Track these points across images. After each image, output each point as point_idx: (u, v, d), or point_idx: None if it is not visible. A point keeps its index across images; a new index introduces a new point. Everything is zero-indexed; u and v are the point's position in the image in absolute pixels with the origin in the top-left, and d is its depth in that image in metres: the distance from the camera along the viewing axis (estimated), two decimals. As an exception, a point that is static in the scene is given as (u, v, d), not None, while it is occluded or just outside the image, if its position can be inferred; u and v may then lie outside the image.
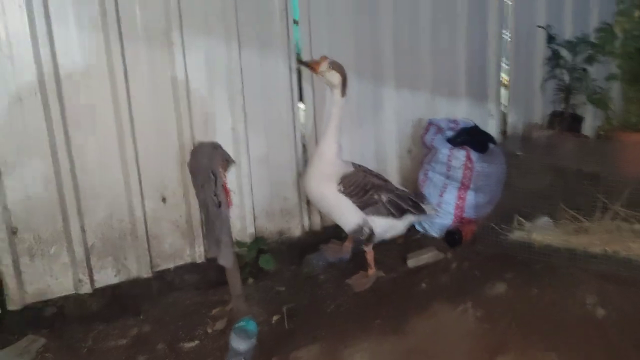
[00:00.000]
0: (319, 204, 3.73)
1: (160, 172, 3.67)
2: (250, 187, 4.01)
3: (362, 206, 3.63)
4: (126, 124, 3.48)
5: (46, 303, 3.51)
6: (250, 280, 3.92)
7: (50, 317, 3.51)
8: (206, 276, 3.92)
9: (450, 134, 4.39)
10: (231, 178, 3.94)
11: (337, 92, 3.57)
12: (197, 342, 3.29)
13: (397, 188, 3.89)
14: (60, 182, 3.38)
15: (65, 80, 3.30)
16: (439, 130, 4.42)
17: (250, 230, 4.07)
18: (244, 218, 4.04)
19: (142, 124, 3.56)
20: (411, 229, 4.44)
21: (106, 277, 3.65)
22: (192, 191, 3.48)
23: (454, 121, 4.55)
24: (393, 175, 4.65)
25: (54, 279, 3.50)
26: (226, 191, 3.31)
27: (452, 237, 4.13)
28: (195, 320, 3.48)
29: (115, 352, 3.22)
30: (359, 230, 3.66)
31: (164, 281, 3.83)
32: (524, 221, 4.10)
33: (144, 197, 3.65)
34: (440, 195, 4.27)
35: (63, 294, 3.54)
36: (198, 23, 3.63)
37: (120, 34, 3.38)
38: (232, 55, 3.77)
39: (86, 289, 3.56)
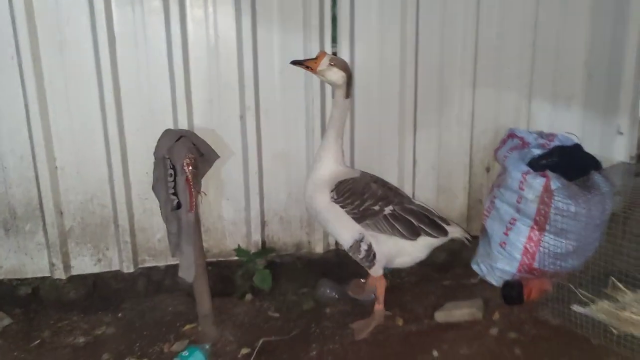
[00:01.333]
0: (315, 216, 3.06)
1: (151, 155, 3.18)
2: (258, 186, 3.37)
3: (358, 218, 2.91)
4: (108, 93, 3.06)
5: (21, 282, 3.29)
6: (248, 297, 3.36)
7: (26, 297, 3.30)
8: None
9: (536, 152, 3.26)
10: (236, 173, 3.34)
11: (340, 93, 2.91)
12: None
13: (411, 201, 3.05)
14: (34, 156, 3.07)
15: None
16: (523, 145, 3.31)
17: (256, 237, 3.45)
18: (249, 222, 3.43)
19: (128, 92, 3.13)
20: (467, 268, 3.47)
21: (84, 264, 3.32)
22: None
23: (549, 135, 3.40)
24: (459, 198, 3.70)
25: (29, 257, 3.25)
26: (189, 191, 2.72)
27: (509, 291, 3.11)
28: (163, 333, 3.06)
29: (62, 352, 2.91)
30: (356, 247, 2.93)
31: (150, 280, 3.40)
32: (623, 288, 2.91)
33: (129, 182, 3.21)
34: (506, 233, 3.21)
35: (38, 275, 3.29)
36: None
37: None
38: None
39: (59, 274, 3.26)
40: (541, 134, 3.42)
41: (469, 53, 3.45)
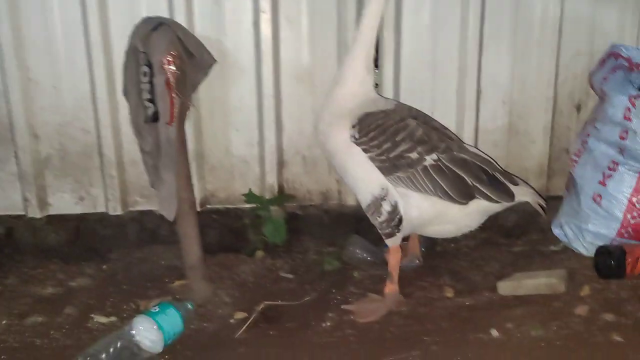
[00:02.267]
0: (330, 159, 2.34)
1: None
2: (275, 114, 2.68)
3: (386, 169, 2.14)
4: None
5: (-7, 219, 2.78)
6: (259, 254, 2.73)
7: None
8: (209, 233, 2.75)
9: (650, 75, 2.38)
10: (248, 97, 2.66)
11: None
12: (112, 319, 2.30)
13: (464, 148, 2.24)
14: (2, 65, 2.53)
15: None
16: (630, 66, 2.43)
17: (272, 180, 2.76)
18: (263, 160, 2.74)
19: None
20: (546, 232, 2.65)
21: (63, 203, 2.76)
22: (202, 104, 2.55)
23: (669, 55, 2.50)
24: (537, 144, 2.85)
25: (1, 190, 2.71)
26: (171, 98, 2.07)
27: (606, 259, 2.27)
28: (145, 289, 2.53)
29: (20, 301, 2.44)
30: (376, 206, 2.15)
31: (144, 227, 2.80)
32: None
33: (117, 101, 2.60)
34: (602, 183, 2.36)
35: (11, 213, 2.77)
36: None
37: None
38: None
39: (34, 211, 2.73)
40: (656, 55, 2.53)
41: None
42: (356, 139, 2.15)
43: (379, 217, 2.18)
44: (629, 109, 2.25)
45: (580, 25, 2.75)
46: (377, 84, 2.65)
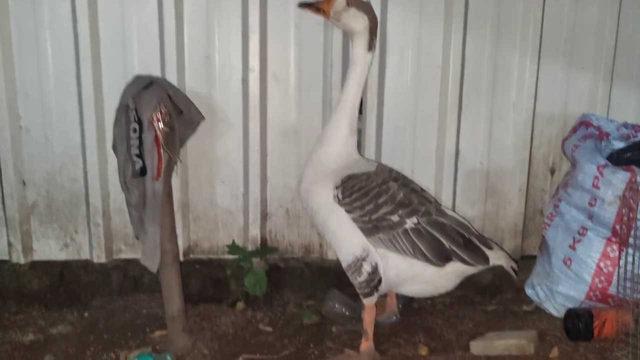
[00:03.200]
0: (312, 216, 2.38)
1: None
2: (260, 168, 2.75)
3: (368, 230, 2.20)
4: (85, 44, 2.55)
5: (-24, 264, 2.78)
6: (240, 306, 2.77)
7: (-20, 283, 2.80)
8: (191, 283, 2.79)
9: (618, 145, 2.50)
10: (234, 151, 2.75)
11: (360, 43, 2.27)
12: None
13: (441, 210, 2.32)
14: (-7, 109, 2.60)
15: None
16: (600, 135, 2.55)
17: (254, 232, 2.82)
18: (247, 212, 2.80)
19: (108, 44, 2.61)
20: (519, 292, 2.72)
21: (48, 249, 2.80)
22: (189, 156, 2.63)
23: (635, 126, 2.63)
24: (513, 205, 2.94)
25: (-15, 235, 2.74)
26: (159, 153, 2.14)
27: (574, 322, 2.34)
28: (125, 338, 2.54)
29: (2, 349, 2.44)
30: (357, 266, 2.21)
31: (127, 275, 2.84)
32: None
33: (106, 153, 2.67)
34: (572, 247, 2.45)
35: (-5, 258, 2.78)
36: None
37: None
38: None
39: (17, 257, 2.76)
40: (625, 125, 2.65)
41: (532, 18, 2.74)
42: (339, 199, 2.22)
43: (359, 277, 2.23)
44: (597, 178, 2.35)
45: (555, 92, 2.87)
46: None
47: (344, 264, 2.28)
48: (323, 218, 2.28)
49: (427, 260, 2.20)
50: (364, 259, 2.20)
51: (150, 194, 2.17)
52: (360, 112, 2.64)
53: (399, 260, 2.21)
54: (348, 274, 2.28)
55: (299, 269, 2.89)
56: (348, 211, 2.20)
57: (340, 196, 2.21)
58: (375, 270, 2.20)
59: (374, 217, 2.18)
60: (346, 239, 2.23)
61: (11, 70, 2.59)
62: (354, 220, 2.20)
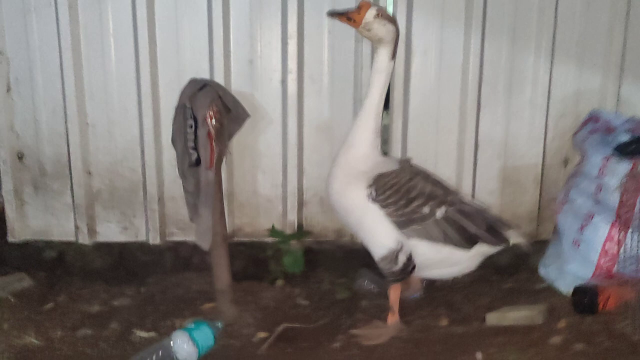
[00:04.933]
0: (343, 216, 2.57)
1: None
2: (297, 160, 3.06)
3: (402, 223, 2.42)
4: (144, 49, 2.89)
5: (47, 244, 3.15)
6: (279, 283, 3.06)
7: (51, 261, 3.17)
8: (236, 263, 3.10)
9: (624, 138, 2.73)
10: (274, 144, 3.05)
11: (386, 52, 2.42)
12: (152, 333, 2.62)
13: (464, 201, 2.55)
14: (65, 111, 2.95)
15: None
16: (608, 130, 2.79)
17: (292, 217, 3.13)
18: (286, 200, 3.11)
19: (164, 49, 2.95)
20: (534, 272, 2.97)
21: (110, 231, 3.14)
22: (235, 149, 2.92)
23: (640, 121, 2.86)
24: (528, 193, 3.19)
25: (55, 218, 3.11)
26: (211, 146, 2.46)
27: (580, 297, 2.57)
28: (179, 309, 2.84)
29: (71, 316, 2.76)
30: (391, 258, 2.44)
31: (178, 255, 3.17)
32: None
33: (161, 146, 3.01)
34: (580, 230, 2.69)
35: (64, 239, 3.14)
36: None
37: None
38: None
39: (83, 238, 3.11)
40: (632, 119, 2.87)
41: (546, 22, 2.98)
42: (373, 197, 2.42)
43: (395, 266, 2.43)
44: (602, 167, 2.59)
45: (567, 89, 3.09)
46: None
47: (377, 257, 2.48)
48: (357, 216, 2.47)
49: (456, 244, 2.44)
50: (399, 250, 2.42)
51: (204, 181, 2.48)
52: (387, 108, 2.89)
53: (427, 247, 2.45)
54: (381, 265, 2.48)
55: (332, 251, 3.17)
56: (382, 207, 2.41)
57: (374, 194, 2.41)
58: (410, 259, 2.44)
59: (407, 210, 2.41)
60: (381, 233, 2.43)
61: (80, 74, 2.93)
62: (388, 215, 2.41)
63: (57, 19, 2.84)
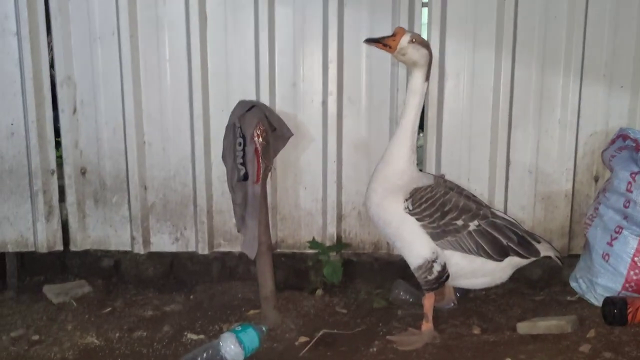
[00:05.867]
0: (382, 227, 2.73)
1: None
2: (337, 176, 3.25)
3: (437, 234, 2.58)
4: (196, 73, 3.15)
5: (105, 253, 3.41)
6: (319, 292, 3.24)
7: (108, 269, 3.43)
8: (278, 273, 3.30)
9: (653, 154, 2.84)
10: (315, 161, 3.25)
11: (420, 74, 2.58)
12: (201, 336, 2.84)
13: (496, 214, 2.69)
14: (125, 130, 3.21)
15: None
16: (637, 147, 2.89)
17: (331, 230, 3.30)
18: (325, 214, 3.29)
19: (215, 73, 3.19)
20: (565, 285, 3.08)
21: (162, 242, 3.37)
22: (278, 165, 3.11)
23: (671, 140, 2.95)
24: (559, 208, 3.28)
25: (113, 230, 3.36)
26: (257, 162, 2.67)
27: (610, 308, 2.67)
28: (226, 315, 3.05)
29: (128, 320, 3.00)
30: (427, 267, 2.59)
31: (224, 265, 3.38)
32: None
33: (210, 163, 3.24)
34: (610, 244, 2.79)
35: (120, 249, 3.40)
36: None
37: None
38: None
39: (138, 248, 3.34)
40: (661, 138, 2.98)
41: (574, 45, 3.11)
42: (410, 210, 2.58)
43: (430, 275, 2.59)
44: (630, 183, 2.71)
45: (597, 109, 3.19)
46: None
47: (414, 266, 2.64)
48: (395, 228, 2.63)
49: (488, 256, 2.58)
50: (434, 260, 2.58)
51: (251, 195, 2.70)
52: (421, 129, 3.07)
53: (460, 258, 2.60)
54: (417, 274, 2.64)
55: (369, 263, 3.34)
56: (418, 219, 2.57)
57: (410, 207, 2.58)
58: (444, 268, 2.59)
59: (441, 222, 2.56)
60: (417, 244, 2.60)
61: (139, 96, 3.18)
62: (424, 227, 2.57)
63: (120, 46, 3.12)
